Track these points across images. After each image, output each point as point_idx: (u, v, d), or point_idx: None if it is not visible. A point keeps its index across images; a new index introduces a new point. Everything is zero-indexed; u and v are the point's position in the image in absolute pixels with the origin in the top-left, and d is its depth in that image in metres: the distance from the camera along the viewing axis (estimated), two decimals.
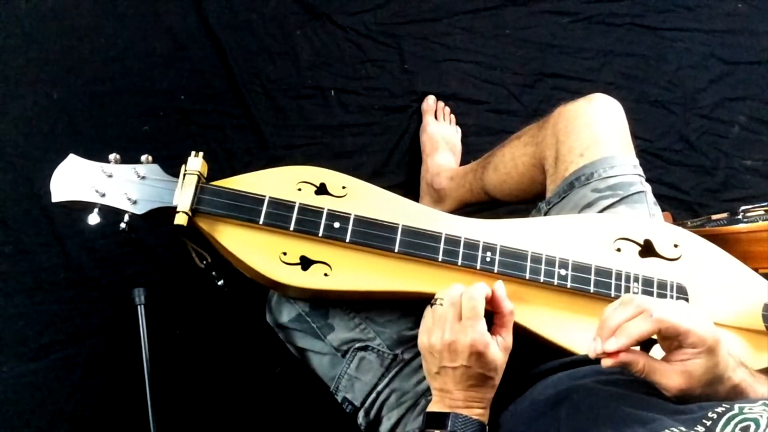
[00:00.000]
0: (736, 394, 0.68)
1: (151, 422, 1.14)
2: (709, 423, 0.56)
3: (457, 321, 0.77)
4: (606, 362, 0.65)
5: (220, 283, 0.96)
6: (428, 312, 0.81)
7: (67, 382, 1.32)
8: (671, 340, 0.65)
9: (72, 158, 0.85)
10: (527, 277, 0.89)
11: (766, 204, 1.22)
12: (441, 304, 0.79)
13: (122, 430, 1.32)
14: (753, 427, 0.52)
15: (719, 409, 0.57)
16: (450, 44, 1.65)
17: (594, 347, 0.66)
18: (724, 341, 0.66)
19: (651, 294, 0.91)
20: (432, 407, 0.80)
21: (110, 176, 0.85)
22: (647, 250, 0.95)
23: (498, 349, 0.78)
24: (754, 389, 0.69)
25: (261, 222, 0.85)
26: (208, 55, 1.53)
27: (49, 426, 1.30)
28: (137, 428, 1.21)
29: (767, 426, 0.52)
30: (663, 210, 1.20)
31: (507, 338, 0.80)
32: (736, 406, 0.56)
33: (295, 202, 0.87)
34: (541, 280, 0.89)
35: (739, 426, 0.53)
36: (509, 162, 1.22)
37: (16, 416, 1.29)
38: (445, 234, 0.88)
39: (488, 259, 0.88)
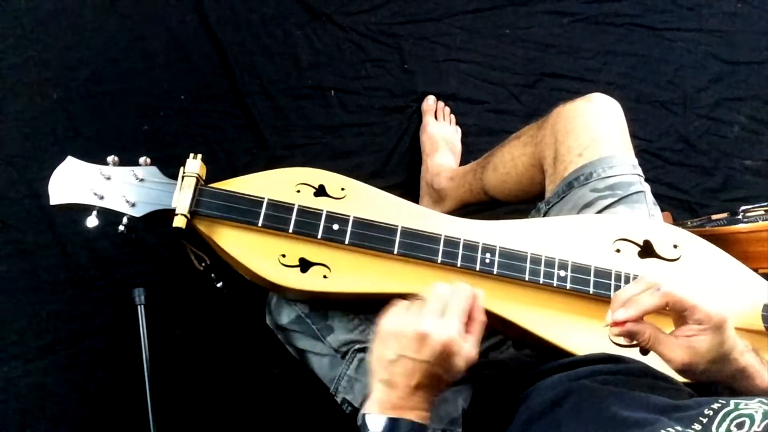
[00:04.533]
0: (743, 378, 0.70)
1: (151, 422, 1.14)
2: (705, 420, 0.56)
3: (439, 316, 0.71)
4: (614, 330, 0.69)
5: (219, 284, 0.96)
6: (401, 303, 0.75)
7: (67, 382, 1.32)
8: (680, 317, 0.68)
9: (70, 160, 0.85)
10: (526, 279, 0.89)
11: (766, 204, 1.22)
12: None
13: (122, 430, 1.32)
14: (748, 422, 0.53)
15: (715, 406, 0.57)
16: (450, 44, 1.65)
17: (606, 318, 0.70)
18: (731, 322, 0.68)
19: None
20: (371, 404, 0.71)
21: (108, 179, 0.85)
22: (647, 250, 0.95)
23: (464, 357, 0.70)
24: (761, 375, 0.70)
25: (260, 224, 0.85)
26: (208, 55, 1.53)
27: (49, 426, 1.30)
28: (137, 428, 1.21)
29: (761, 421, 0.52)
30: (663, 210, 1.20)
31: (472, 350, 0.72)
32: (732, 402, 0.57)
33: (293, 204, 0.86)
34: (541, 282, 0.89)
35: (735, 422, 0.54)
36: (509, 162, 1.22)
37: (17, 416, 1.30)
38: (445, 235, 0.88)
39: (488, 261, 0.88)
